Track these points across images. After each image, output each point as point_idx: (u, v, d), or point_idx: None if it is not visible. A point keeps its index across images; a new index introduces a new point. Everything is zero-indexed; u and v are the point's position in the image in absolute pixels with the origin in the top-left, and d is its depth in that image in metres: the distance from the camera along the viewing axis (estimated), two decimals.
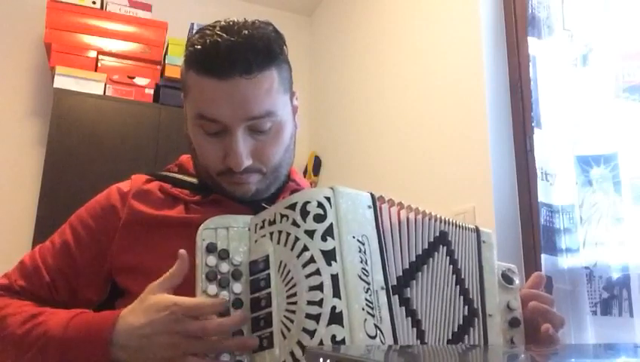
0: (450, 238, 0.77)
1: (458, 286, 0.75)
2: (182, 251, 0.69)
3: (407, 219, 0.73)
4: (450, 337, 0.72)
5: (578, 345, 1.40)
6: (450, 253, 0.76)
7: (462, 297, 0.75)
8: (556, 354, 0.65)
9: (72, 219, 0.89)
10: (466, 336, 0.73)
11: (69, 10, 2.51)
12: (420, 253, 0.72)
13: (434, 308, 0.71)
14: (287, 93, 0.86)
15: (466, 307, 0.75)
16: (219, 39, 0.77)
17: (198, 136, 0.83)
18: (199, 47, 0.78)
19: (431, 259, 0.73)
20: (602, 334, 1.41)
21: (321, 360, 0.46)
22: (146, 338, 0.67)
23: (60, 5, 2.50)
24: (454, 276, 0.75)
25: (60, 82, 2.40)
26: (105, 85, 2.47)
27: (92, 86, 2.45)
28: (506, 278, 0.81)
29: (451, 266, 0.76)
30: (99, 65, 2.51)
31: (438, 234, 0.76)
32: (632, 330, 1.32)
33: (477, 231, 0.81)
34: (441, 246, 0.75)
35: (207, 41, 0.78)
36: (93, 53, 2.51)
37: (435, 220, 0.76)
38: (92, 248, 0.85)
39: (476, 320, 0.75)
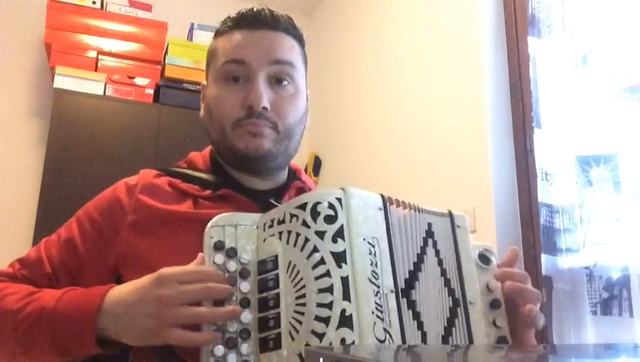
0: (433, 229, 0.75)
1: (442, 278, 0.74)
2: (201, 254, 0.70)
3: (409, 216, 0.72)
4: (443, 333, 0.71)
5: (578, 345, 1.40)
6: (434, 245, 0.74)
7: (446, 289, 0.73)
8: (556, 354, 0.65)
9: (79, 213, 0.89)
10: (453, 329, 0.72)
11: (69, 10, 2.52)
12: (419, 251, 0.72)
13: (430, 306, 0.70)
14: (304, 76, 0.93)
15: (450, 298, 0.73)
16: (253, 7, 0.89)
17: (220, 88, 0.87)
18: (234, 15, 0.90)
19: (425, 256, 0.72)
20: (602, 334, 1.41)
21: (321, 360, 0.46)
22: (131, 306, 0.68)
23: (59, 5, 2.50)
24: (439, 268, 0.74)
25: (60, 82, 2.40)
26: (105, 85, 2.47)
27: (92, 86, 2.45)
28: (483, 259, 0.79)
29: (437, 258, 0.74)
30: (99, 65, 2.51)
31: (427, 227, 0.74)
32: (632, 330, 1.32)
33: (450, 215, 0.78)
34: (429, 240, 0.74)
35: (242, 10, 0.90)
36: (93, 53, 2.51)
37: (420, 211, 0.74)
38: (97, 242, 0.84)
39: (459, 310, 0.73)
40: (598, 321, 1.41)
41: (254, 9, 0.89)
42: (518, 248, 1.67)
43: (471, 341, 0.71)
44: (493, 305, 0.76)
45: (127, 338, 0.70)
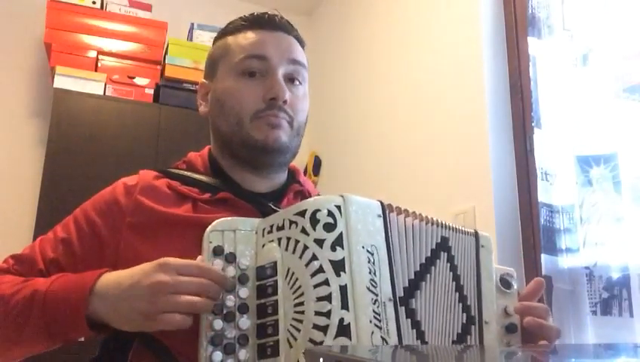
0: (450, 244, 0.76)
1: (457, 293, 0.74)
2: (200, 257, 0.70)
3: (412, 225, 0.72)
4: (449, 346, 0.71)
5: (578, 345, 1.40)
6: (450, 260, 0.75)
7: (460, 304, 0.74)
8: (556, 354, 0.65)
9: (76, 212, 0.89)
10: (464, 345, 0.72)
11: (69, 10, 2.51)
12: (424, 261, 0.72)
13: (435, 318, 0.70)
14: (307, 82, 0.96)
15: (464, 314, 0.74)
16: (267, 12, 0.93)
17: (237, 82, 0.89)
18: (246, 15, 0.93)
19: (433, 267, 0.72)
20: (602, 334, 1.40)
21: (321, 360, 0.46)
22: (127, 288, 0.68)
23: (60, 5, 2.50)
24: (454, 283, 0.74)
25: (60, 82, 2.40)
26: (105, 85, 2.47)
27: (92, 86, 2.44)
28: (504, 283, 0.80)
29: (451, 273, 0.75)
30: (99, 65, 2.50)
31: (439, 240, 0.75)
32: (632, 330, 1.32)
33: (476, 235, 0.80)
34: (442, 252, 0.74)
35: (256, 13, 0.93)
36: (93, 53, 2.50)
37: (436, 225, 0.75)
38: (94, 242, 0.84)
39: (473, 327, 0.74)
40: (598, 321, 1.41)
41: (269, 13, 0.93)
42: (518, 248, 1.69)
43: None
44: (510, 329, 0.77)
45: (118, 321, 0.70)
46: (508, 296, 0.79)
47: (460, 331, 0.72)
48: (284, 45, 0.91)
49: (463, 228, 0.79)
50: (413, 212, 0.73)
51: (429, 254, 0.73)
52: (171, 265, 0.67)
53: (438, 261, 0.73)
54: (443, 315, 0.71)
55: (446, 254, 0.75)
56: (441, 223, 0.76)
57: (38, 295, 0.73)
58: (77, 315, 0.70)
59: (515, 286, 0.81)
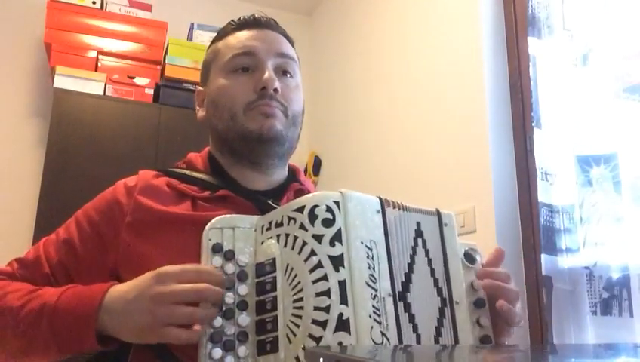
0: (422, 229, 0.75)
1: (432, 278, 0.73)
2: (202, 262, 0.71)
3: (399, 217, 0.72)
4: (435, 333, 0.70)
5: (578, 345, 1.40)
6: (424, 245, 0.74)
7: (435, 289, 0.73)
8: (557, 354, 0.65)
9: (78, 214, 0.90)
10: (442, 329, 0.71)
11: (69, 10, 2.51)
12: (411, 252, 0.72)
13: (423, 308, 0.70)
14: (300, 76, 0.97)
15: (439, 298, 0.73)
16: (253, 14, 0.97)
17: (228, 79, 0.91)
18: (235, 20, 0.96)
19: (416, 257, 0.72)
20: (602, 334, 1.41)
21: (321, 360, 0.46)
22: (130, 302, 0.69)
23: (60, 5, 2.50)
24: (429, 268, 0.74)
25: (60, 82, 2.40)
26: (105, 85, 2.47)
27: (92, 86, 2.44)
28: (469, 258, 0.79)
29: (427, 258, 0.74)
30: (99, 65, 2.50)
31: (416, 227, 0.74)
32: (632, 330, 1.32)
33: (438, 214, 0.78)
34: (420, 240, 0.74)
35: (243, 16, 0.96)
36: (93, 53, 2.50)
37: (409, 211, 0.74)
38: (96, 243, 0.84)
39: (446, 310, 0.73)
40: (598, 321, 1.41)
41: (255, 14, 0.95)
42: (518, 248, 1.69)
43: (457, 341, 0.71)
44: (478, 304, 0.76)
45: (124, 334, 0.70)
46: (473, 271, 0.78)
47: (438, 316, 0.71)
48: (271, 40, 0.93)
49: (427, 209, 0.77)
50: (399, 203, 0.73)
51: (412, 244, 0.72)
52: (168, 274, 0.67)
53: (418, 249, 0.73)
54: (426, 303, 0.71)
55: (421, 240, 0.74)
56: (412, 208, 0.75)
57: (46, 308, 0.73)
58: (86, 331, 0.71)
59: (479, 260, 0.80)
